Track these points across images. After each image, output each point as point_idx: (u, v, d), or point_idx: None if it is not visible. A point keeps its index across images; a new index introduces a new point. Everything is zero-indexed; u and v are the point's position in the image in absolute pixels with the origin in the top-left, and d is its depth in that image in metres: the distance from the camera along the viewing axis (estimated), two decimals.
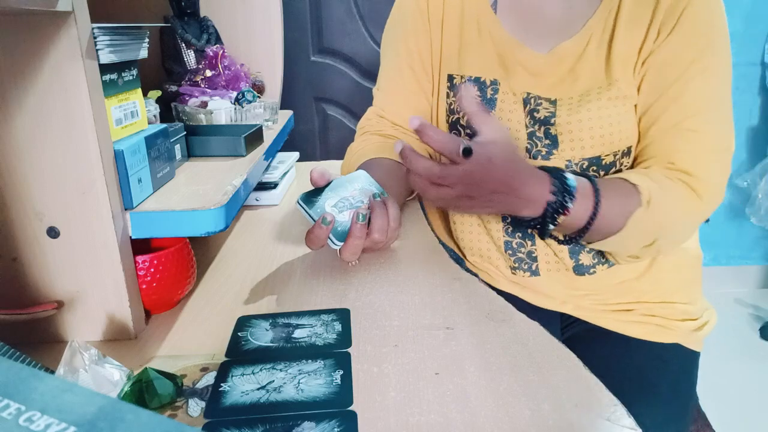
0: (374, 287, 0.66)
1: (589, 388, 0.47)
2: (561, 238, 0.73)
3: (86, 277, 0.54)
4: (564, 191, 0.65)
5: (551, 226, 0.66)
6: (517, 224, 0.76)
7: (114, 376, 0.45)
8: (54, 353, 0.52)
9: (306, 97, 2.03)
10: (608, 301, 0.80)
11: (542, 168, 0.67)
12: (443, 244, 0.80)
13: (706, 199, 0.70)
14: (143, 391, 0.45)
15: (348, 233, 0.65)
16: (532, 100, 0.76)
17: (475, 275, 0.68)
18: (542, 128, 0.76)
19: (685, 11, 0.69)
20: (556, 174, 0.66)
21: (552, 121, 0.74)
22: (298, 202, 0.67)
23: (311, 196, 0.67)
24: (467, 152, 0.61)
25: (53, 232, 0.53)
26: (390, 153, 0.81)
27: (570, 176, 0.66)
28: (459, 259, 0.81)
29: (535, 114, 0.76)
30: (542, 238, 0.77)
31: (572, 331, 0.84)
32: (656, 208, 0.67)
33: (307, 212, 0.66)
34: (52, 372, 0.45)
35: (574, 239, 0.70)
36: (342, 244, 0.65)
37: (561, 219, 0.65)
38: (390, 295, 0.63)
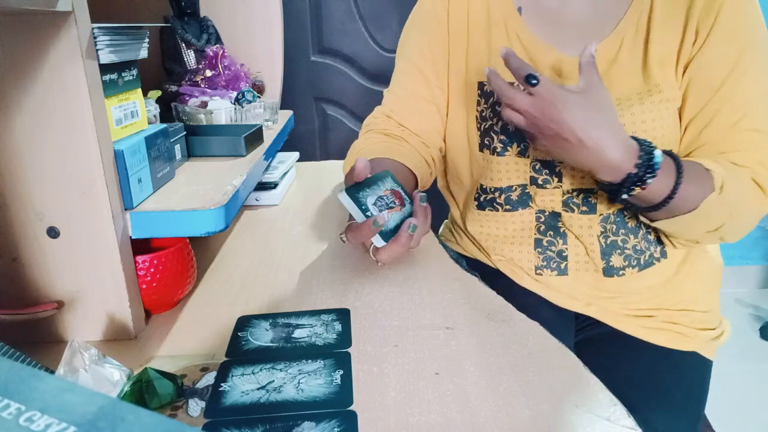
0: (374, 287, 0.66)
1: (589, 388, 0.47)
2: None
3: (86, 277, 0.54)
4: (648, 167, 0.64)
5: (625, 196, 0.66)
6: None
7: (114, 376, 0.46)
8: (54, 353, 0.52)
9: (306, 97, 2.03)
10: (631, 306, 0.79)
11: (633, 138, 0.66)
12: (444, 245, 0.80)
13: None
14: (143, 391, 0.45)
15: (395, 239, 0.63)
16: None
17: (476, 272, 0.68)
18: None
19: (721, 11, 0.68)
20: (645, 147, 0.65)
21: None
22: (342, 195, 0.64)
23: (354, 191, 0.64)
24: (530, 79, 0.62)
25: (53, 232, 0.53)
26: (393, 154, 0.80)
27: (658, 153, 0.65)
28: (459, 259, 0.81)
29: None
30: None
31: (587, 334, 0.83)
32: (727, 194, 0.66)
33: (358, 207, 0.64)
34: (52, 372, 0.45)
35: (646, 212, 0.70)
36: (385, 244, 0.63)
37: (637, 191, 0.65)
38: (390, 295, 0.63)
